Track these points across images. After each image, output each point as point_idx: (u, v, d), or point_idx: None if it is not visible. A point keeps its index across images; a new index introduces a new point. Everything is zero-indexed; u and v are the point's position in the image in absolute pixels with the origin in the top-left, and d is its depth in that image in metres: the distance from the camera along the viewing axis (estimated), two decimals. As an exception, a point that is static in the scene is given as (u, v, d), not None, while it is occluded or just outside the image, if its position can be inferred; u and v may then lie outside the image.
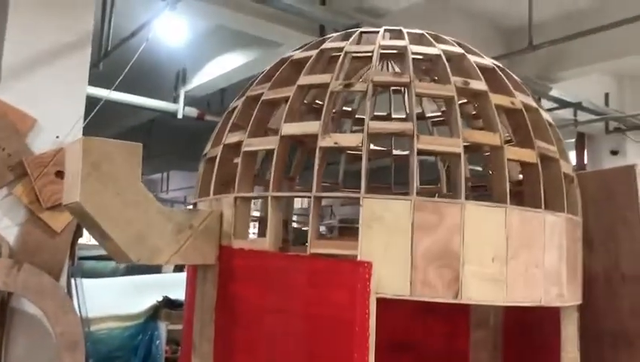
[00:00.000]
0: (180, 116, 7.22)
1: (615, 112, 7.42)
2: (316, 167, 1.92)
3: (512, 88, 2.18)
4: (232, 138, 2.20)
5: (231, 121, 2.26)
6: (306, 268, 1.88)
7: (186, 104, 7.27)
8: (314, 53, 2.25)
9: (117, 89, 5.22)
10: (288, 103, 2.06)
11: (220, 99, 8.29)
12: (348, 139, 1.95)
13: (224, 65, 6.92)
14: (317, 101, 2.68)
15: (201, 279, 2.17)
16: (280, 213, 2.00)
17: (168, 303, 4.29)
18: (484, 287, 1.87)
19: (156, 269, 6.09)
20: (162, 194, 14.95)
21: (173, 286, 4.71)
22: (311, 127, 1.99)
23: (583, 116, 7.34)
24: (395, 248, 1.83)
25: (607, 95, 7.65)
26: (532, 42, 4.57)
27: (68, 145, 1.96)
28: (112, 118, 7.40)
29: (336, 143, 1.94)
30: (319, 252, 1.87)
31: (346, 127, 3.05)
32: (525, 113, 2.11)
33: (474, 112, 2.68)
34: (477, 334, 3.11)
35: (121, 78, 4.01)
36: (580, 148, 8.62)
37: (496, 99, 2.06)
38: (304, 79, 2.10)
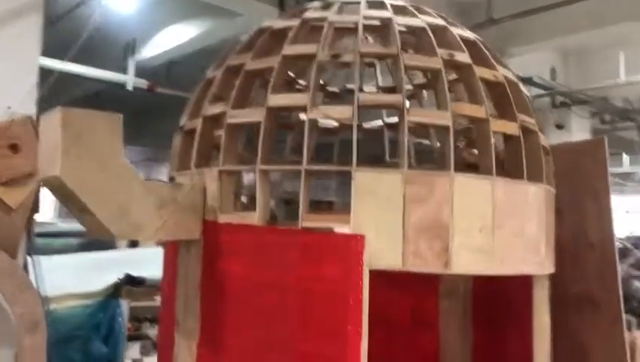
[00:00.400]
0: (129, 88, 6.98)
1: (562, 87, 7.68)
2: (306, 139, 1.89)
3: (493, 61, 2.20)
4: (213, 109, 2.13)
5: (211, 91, 2.19)
6: (298, 242, 1.86)
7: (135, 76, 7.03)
8: (294, 23, 2.20)
9: (65, 59, 4.99)
10: (274, 73, 2.01)
11: (167, 72, 8.07)
12: (338, 112, 1.92)
13: (177, 36, 6.71)
14: (289, 73, 2.63)
15: (184, 254, 2.12)
16: (268, 187, 1.96)
17: (130, 280, 4.18)
18: (471, 257, 1.90)
19: (110, 245, 5.93)
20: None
21: (132, 262, 4.61)
22: (299, 98, 1.95)
23: (532, 91, 7.55)
24: (387, 221, 1.84)
25: (553, 70, 7.89)
26: (492, 16, 4.64)
27: (43, 117, 1.85)
28: (60, 89, 7.07)
29: (326, 115, 1.91)
30: (311, 226, 1.85)
31: (319, 100, 3.02)
32: (507, 86, 2.14)
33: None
34: (446, 303, 3.19)
35: (75, 47, 3.84)
36: (526, 122, 8.86)
37: (479, 72, 2.08)
38: (290, 49, 2.05)
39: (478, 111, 1.99)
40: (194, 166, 2.13)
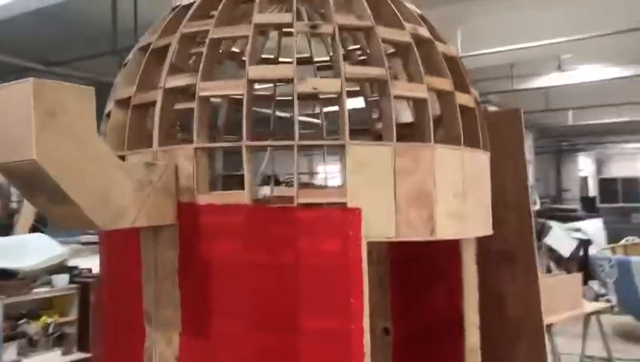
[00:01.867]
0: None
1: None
2: (296, 113, 1.83)
3: (439, 35, 2.30)
4: (176, 81, 1.95)
5: (168, 60, 1.99)
6: (294, 219, 1.81)
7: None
8: None
9: None
10: (249, 43, 1.89)
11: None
12: (326, 85, 1.87)
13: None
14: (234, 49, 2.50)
15: (149, 241, 1.93)
16: (254, 165, 1.86)
17: (2, 274, 3.68)
18: (449, 223, 2.02)
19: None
20: None
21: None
22: (283, 70, 1.87)
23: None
24: (380, 192, 1.86)
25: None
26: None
27: (2, 88, 1.54)
28: None
29: (315, 88, 1.86)
30: (307, 201, 1.81)
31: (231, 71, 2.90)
32: (458, 61, 2.26)
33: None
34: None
35: None
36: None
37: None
38: (261, 17, 1.94)
39: (445, 84, 2.09)
40: (157, 144, 1.94)
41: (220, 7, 2.02)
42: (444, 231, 2.00)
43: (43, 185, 1.54)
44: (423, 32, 2.14)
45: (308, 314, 1.81)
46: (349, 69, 1.89)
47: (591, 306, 4.57)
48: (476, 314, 2.45)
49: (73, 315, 4.15)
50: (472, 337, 2.37)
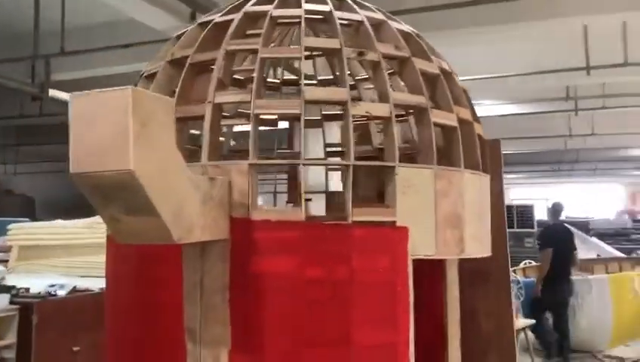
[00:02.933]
0: None
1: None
2: (351, 133, 1.91)
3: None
4: (227, 97, 1.96)
5: (215, 76, 1.99)
6: (349, 236, 1.87)
7: None
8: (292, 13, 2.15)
9: None
10: (300, 65, 1.95)
11: None
12: (377, 109, 1.97)
13: None
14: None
15: (196, 256, 1.90)
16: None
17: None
18: (472, 244, 2.18)
19: None
20: None
21: None
22: (339, 93, 1.94)
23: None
24: (424, 212, 1.99)
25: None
26: None
27: (90, 96, 1.48)
28: None
29: (367, 112, 1.95)
30: (361, 219, 1.89)
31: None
32: (467, 91, 2.45)
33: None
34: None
35: None
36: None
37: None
38: (311, 41, 2.01)
39: (467, 114, 2.26)
40: (206, 158, 1.93)
41: (264, 29, 2.06)
42: (470, 251, 2.15)
43: (126, 195, 1.50)
44: (445, 65, 2.31)
45: (359, 328, 1.87)
46: (396, 95, 2.00)
47: (521, 322, 4.96)
48: (458, 335, 2.60)
49: (12, 338, 3.83)
50: (454, 358, 2.50)
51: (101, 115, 1.46)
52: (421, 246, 1.97)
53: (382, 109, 1.96)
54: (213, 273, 1.89)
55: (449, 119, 2.12)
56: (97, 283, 4.47)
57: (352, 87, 2.88)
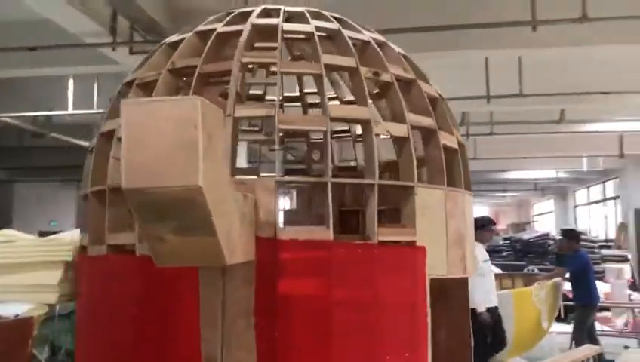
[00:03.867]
0: None
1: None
2: (376, 153, 1.90)
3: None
4: (249, 111, 1.88)
5: (233, 89, 1.90)
6: (374, 256, 1.86)
7: None
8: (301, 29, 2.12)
9: None
10: (322, 83, 1.92)
11: None
12: (396, 129, 1.97)
13: None
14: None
15: (217, 278, 1.78)
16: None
17: None
18: (469, 261, 2.25)
19: None
20: None
21: None
22: (361, 112, 1.94)
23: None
24: (437, 232, 2.03)
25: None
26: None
27: (147, 105, 1.34)
28: None
29: (387, 131, 1.96)
30: (386, 239, 1.88)
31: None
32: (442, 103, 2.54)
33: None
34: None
35: None
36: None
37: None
38: (331, 59, 1.99)
39: (459, 137, 2.35)
40: (229, 175, 1.82)
41: (278, 44, 2.01)
42: (469, 270, 2.23)
43: (184, 213, 1.38)
44: (437, 90, 2.38)
45: (384, 351, 1.86)
46: (412, 117, 2.03)
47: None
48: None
49: None
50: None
51: (162, 126, 1.34)
52: (435, 265, 2.01)
53: (400, 129, 1.98)
54: (237, 296, 1.79)
55: (450, 141, 2.19)
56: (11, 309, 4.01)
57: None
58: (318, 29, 2.10)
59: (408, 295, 1.93)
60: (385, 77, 2.07)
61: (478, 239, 3.59)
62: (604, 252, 13.49)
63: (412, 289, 1.93)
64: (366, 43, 2.18)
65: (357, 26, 2.27)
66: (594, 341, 6.45)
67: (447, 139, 2.17)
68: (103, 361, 2.01)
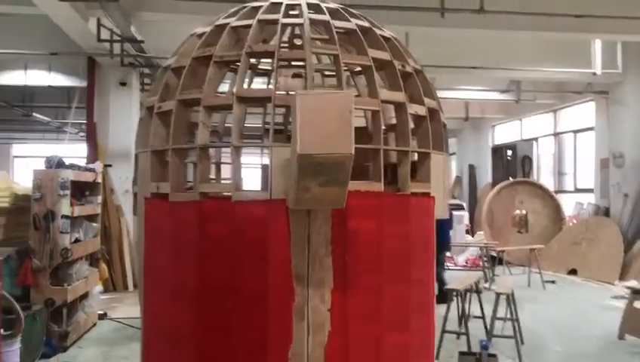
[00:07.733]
0: None
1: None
2: (409, 129, 2.59)
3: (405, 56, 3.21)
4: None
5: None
6: (409, 203, 2.58)
7: None
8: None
9: None
10: (371, 74, 2.56)
11: None
12: (420, 110, 2.66)
13: None
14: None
15: (303, 219, 2.37)
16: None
17: None
18: (445, 208, 3.07)
19: None
20: None
21: None
22: (399, 95, 2.61)
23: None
24: (439, 186, 2.80)
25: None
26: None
27: (317, 96, 1.89)
28: None
29: (416, 112, 2.66)
30: (414, 190, 2.61)
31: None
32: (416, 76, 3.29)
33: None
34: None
35: None
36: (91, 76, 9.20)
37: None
38: (374, 53, 2.62)
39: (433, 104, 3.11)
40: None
41: (335, 39, 2.60)
42: (446, 214, 3.05)
43: (334, 172, 1.99)
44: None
45: (413, 268, 2.62)
46: (427, 100, 2.75)
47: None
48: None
49: None
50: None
51: (328, 111, 1.92)
52: (438, 210, 2.79)
53: (422, 110, 2.70)
54: (319, 231, 2.41)
55: (443, 118, 2.96)
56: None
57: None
58: (358, 26, 2.70)
59: (426, 230, 2.69)
60: (409, 68, 2.75)
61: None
62: (445, 201, 15.50)
63: (428, 226, 2.70)
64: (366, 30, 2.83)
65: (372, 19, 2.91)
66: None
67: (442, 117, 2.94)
68: (202, 288, 2.51)
